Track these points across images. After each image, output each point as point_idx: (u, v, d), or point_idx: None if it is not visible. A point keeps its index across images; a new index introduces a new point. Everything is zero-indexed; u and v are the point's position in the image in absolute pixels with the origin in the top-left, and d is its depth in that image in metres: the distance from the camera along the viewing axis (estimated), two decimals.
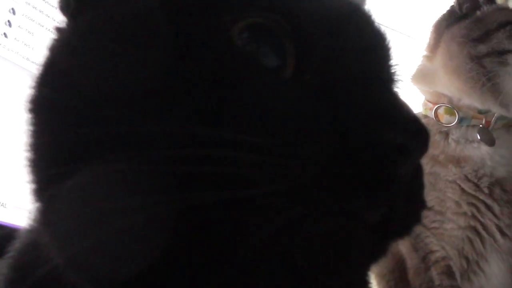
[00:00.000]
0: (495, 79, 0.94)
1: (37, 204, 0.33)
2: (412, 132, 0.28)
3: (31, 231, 0.41)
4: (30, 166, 0.33)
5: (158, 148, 0.27)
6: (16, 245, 0.42)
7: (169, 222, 0.26)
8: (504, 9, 1.04)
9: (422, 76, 1.11)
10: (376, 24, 0.36)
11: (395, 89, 0.38)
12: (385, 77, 0.36)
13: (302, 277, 0.29)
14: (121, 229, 0.27)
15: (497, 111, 0.99)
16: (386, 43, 0.37)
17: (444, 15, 1.12)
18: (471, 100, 1.00)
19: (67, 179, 0.28)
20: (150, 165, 0.27)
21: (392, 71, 0.38)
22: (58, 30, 0.36)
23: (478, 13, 1.03)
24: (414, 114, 0.31)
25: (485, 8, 1.03)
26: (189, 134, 0.27)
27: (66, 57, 0.32)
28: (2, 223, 0.88)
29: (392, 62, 0.37)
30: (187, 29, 0.30)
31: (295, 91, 0.30)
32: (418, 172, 0.33)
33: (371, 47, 0.35)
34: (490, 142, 0.97)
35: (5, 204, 0.89)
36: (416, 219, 0.34)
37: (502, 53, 0.95)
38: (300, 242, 0.28)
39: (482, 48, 0.97)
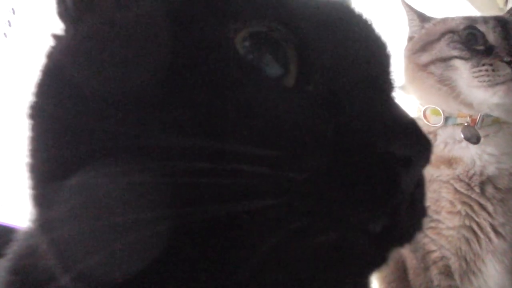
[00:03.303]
0: (449, 82, 0.99)
1: (35, 210, 0.33)
2: (414, 143, 0.28)
3: (30, 233, 0.40)
4: (29, 171, 0.33)
5: (157, 159, 0.26)
6: (14, 247, 0.41)
7: (170, 231, 0.26)
8: (445, 19, 1.10)
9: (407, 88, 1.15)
10: (377, 32, 0.36)
11: (395, 97, 0.38)
12: (386, 86, 0.36)
13: (305, 287, 0.29)
14: (119, 236, 0.26)
15: (465, 111, 1.01)
16: (387, 51, 0.37)
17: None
18: (439, 106, 1.03)
19: (64, 186, 0.28)
20: (150, 175, 0.26)
21: (392, 78, 0.37)
22: (56, 37, 0.36)
23: (423, 30, 1.11)
24: (416, 123, 0.30)
25: (426, 25, 1.11)
26: (190, 144, 0.26)
27: (65, 63, 0.32)
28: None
29: (392, 69, 0.37)
30: (189, 36, 0.30)
31: (297, 100, 0.30)
32: (420, 181, 0.33)
33: (372, 55, 0.35)
34: (475, 139, 0.97)
35: (2, 203, 0.89)
36: (417, 227, 0.34)
37: (446, 59, 1.01)
38: (303, 252, 0.28)
39: (426, 57, 1.04)
